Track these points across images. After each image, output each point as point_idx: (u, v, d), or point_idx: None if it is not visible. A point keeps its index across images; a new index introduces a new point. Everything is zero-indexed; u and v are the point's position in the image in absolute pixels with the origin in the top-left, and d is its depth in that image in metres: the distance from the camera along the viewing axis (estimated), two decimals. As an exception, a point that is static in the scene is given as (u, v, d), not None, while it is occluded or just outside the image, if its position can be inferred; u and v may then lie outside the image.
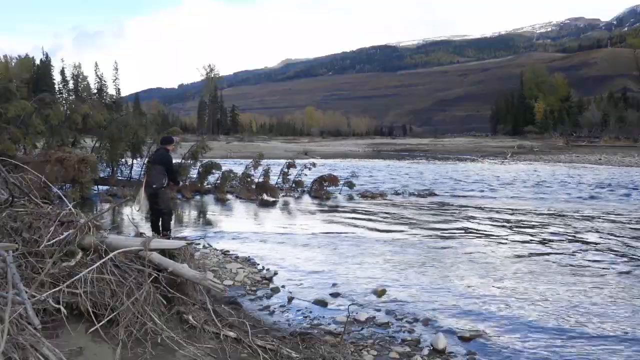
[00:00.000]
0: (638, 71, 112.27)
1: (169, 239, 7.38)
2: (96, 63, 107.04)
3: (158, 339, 3.48)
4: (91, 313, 3.41)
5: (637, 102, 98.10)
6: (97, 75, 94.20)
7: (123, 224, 10.49)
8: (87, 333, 3.37)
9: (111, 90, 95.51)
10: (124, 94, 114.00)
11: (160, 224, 8.28)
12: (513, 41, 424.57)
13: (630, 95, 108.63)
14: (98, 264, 3.61)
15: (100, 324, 3.36)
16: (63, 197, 4.66)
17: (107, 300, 3.53)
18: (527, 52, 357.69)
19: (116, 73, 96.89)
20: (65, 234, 3.83)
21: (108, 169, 16.34)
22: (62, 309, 3.23)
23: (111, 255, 3.73)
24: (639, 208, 13.79)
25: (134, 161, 17.01)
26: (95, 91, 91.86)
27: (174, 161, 8.95)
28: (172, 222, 8.69)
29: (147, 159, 16.30)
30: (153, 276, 3.82)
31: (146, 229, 9.25)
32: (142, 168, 16.39)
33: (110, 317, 3.44)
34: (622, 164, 35.63)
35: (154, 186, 7.98)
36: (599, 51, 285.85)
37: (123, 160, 16.71)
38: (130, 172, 16.79)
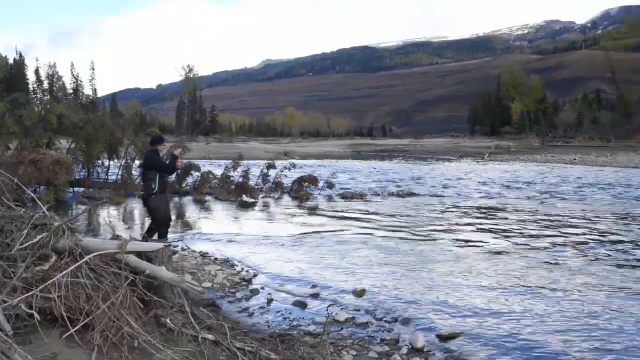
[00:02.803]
0: (611, 73, 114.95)
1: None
2: (72, 63, 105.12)
3: (135, 343, 3.43)
4: (65, 318, 3.35)
5: (610, 104, 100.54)
6: (73, 75, 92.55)
7: (100, 227, 10.34)
8: (61, 338, 3.32)
9: (87, 91, 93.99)
10: (100, 94, 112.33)
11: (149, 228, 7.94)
12: (491, 43, 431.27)
13: (603, 97, 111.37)
14: (72, 267, 3.55)
15: (75, 328, 3.31)
16: (36, 199, 4.57)
17: (82, 305, 3.48)
18: (504, 53, 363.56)
19: (92, 73, 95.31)
20: (39, 237, 3.76)
21: (84, 171, 16.08)
22: (35, 314, 3.17)
23: (86, 258, 3.67)
24: (602, 205, 14.12)
25: (111, 162, 16.77)
26: (71, 91, 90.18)
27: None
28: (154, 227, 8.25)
29: (124, 160, 16.18)
30: (130, 279, 3.77)
31: (123, 231, 9.14)
32: (119, 169, 16.19)
33: (85, 321, 3.39)
34: (595, 163, 36.42)
35: (142, 193, 7.77)
36: (573, 53, 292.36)
37: (99, 161, 16.46)
38: (107, 174, 16.55)
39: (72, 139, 15.97)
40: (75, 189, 15.08)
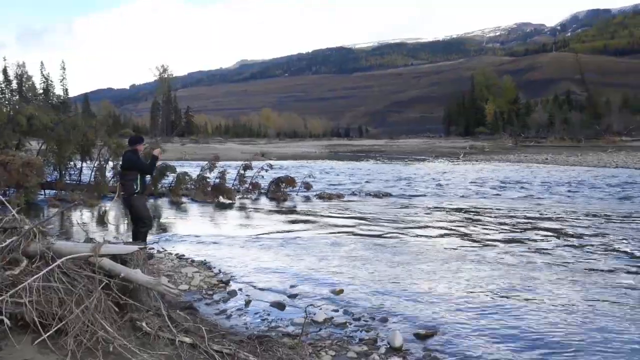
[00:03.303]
0: (580, 75, 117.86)
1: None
2: (42, 62, 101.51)
3: (110, 347, 3.37)
4: (37, 323, 3.27)
5: (580, 105, 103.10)
6: (43, 75, 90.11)
7: (73, 230, 10.12)
8: (33, 344, 3.23)
9: (58, 91, 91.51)
10: (72, 94, 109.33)
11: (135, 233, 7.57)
12: (464, 45, 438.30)
13: (573, 98, 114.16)
14: (44, 271, 3.47)
15: (48, 334, 3.23)
16: (6, 202, 4.45)
17: (55, 309, 3.39)
18: (477, 55, 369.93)
19: (63, 73, 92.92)
20: (9, 241, 3.67)
21: (56, 173, 15.72)
22: (6, 319, 3.08)
23: (59, 262, 3.58)
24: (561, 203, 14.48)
25: (83, 164, 16.43)
26: (41, 91, 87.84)
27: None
28: (142, 231, 7.59)
29: (97, 162, 15.85)
30: (104, 283, 3.70)
31: (97, 234, 8.99)
32: (92, 171, 15.87)
33: (58, 326, 3.31)
34: (567, 163, 37.25)
35: (122, 194, 7.45)
36: (544, 55, 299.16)
37: (72, 163, 16.11)
38: (80, 176, 16.21)
39: (43, 140, 15.60)
40: (47, 191, 14.74)
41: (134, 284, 3.86)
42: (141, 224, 7.43)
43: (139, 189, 7.33)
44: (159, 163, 15.61)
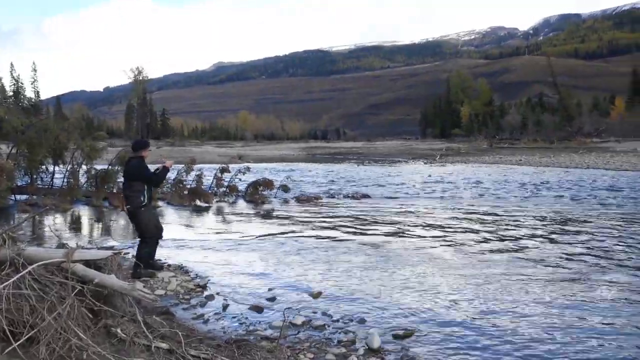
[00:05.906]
0: (552, 78, 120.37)
1: (150, 269, 6.64)
2: (12, 64, 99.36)
3: (84, 355, 3.30)
4: (7, 332, 3.19)
5: (552, 107, 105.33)
6: (13, 77, 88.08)
7: (45, 235, 9.89)
8: (3, 353, 3.15)
9: (29, 93, 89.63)
10: (44, 96, 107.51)
11: (140, 250, 6.86)
12: (440, 48, 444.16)
13: (546, 100, 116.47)
14: (14, 278, 3.38)
15: (18, 342, 3.15)
16: (-26, 207, 4.33)
17: (26, 317, 3.32)
18: (453, 58, 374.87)
19: (35, 74, 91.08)
20: (-23, 247, 3.56)
21: (27, 177, 15.34)
22: (-26, 329, 2.99)
23: (30, 268, 3.50)
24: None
25: (56, 168, 16.08)
26: (11, 94, 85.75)
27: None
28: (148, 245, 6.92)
29: (70, 166, 15.53)
30: (77, 289, 3.63)
31: (70, 239, 8.80)
32: (65, 175, 15.56)
33: (29, 334, 3.24)
34: (540, 164, 37.95)
35: (128, 207, 6.74)
36: (518, 58, 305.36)
37: (43, 167, 15.74)
38: (52, 180, 15.86)
39: (13, 143, 15.21)
40: (18, 196, 14.38)
41: (109, 290, 3.80)
42: (148, 239, 6.82)
43: (146, 200, 6.72)
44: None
